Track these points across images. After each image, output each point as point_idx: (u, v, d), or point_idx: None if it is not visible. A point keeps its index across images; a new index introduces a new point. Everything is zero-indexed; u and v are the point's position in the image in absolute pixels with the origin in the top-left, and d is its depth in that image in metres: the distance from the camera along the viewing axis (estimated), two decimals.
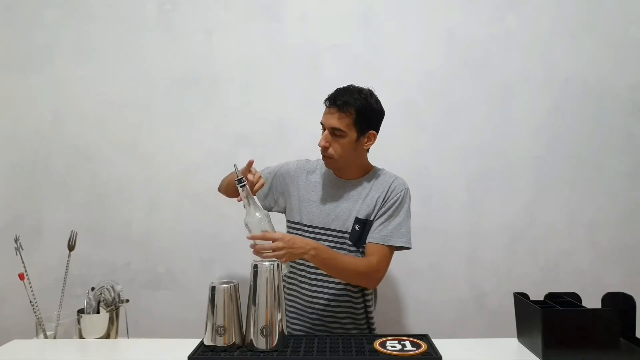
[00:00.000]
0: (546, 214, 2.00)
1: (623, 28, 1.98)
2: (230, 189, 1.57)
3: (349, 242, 1.48)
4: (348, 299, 1.51)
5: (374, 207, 1.47)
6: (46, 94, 2.05)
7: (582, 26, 1.99)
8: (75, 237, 1.48)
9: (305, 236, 1.50)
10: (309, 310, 1.51)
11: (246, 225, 1.33)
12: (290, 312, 1.56)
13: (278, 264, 1.18)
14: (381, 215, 1.46)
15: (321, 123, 1.48)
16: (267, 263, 1.17)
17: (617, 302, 1.18)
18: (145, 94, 2.04)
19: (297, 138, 1.98)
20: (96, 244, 2.01)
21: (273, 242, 1.28)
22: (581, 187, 2.00)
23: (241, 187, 1.31)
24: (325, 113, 1.47)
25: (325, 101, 1.47)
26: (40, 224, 2.03)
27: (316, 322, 1.51)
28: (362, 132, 1.46)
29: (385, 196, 1.47)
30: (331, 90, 1.51)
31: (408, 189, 1.50)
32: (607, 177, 1.99)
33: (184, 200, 2.04)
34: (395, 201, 1.46)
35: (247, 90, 2.03)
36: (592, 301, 1.25)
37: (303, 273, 1.52)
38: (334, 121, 1.43)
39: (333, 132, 1.44)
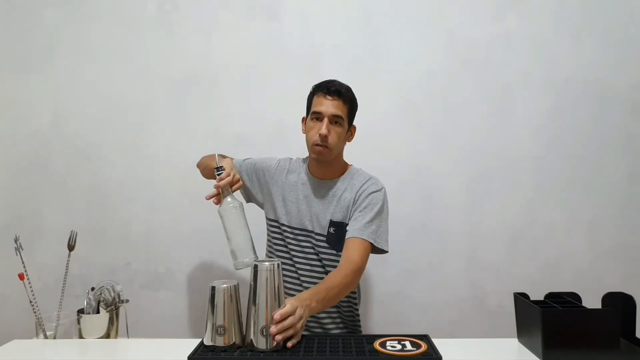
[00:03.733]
0: (546, 214, 2.00)
1: (623, 28, 1.98)
2: (207, 172, 1.60)
3: (326, 245, 1.47)
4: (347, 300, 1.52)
5: (347, 208, 1.45)
6: (46, 94, 2.05)
7: (582, 26, 1.99)
8: (75, 237, 1.48)
9: (285, 236, 1.51)
10: None
11: (219, 213, 1.33)
12: None
13: (278, 264, 1.18)
14: (355, 213, 1.43)
15: (315, 112, 1.43)
16: (267, 263, 1.17)
17: (617, 302, 1.18)
18: (145, 94, 2.04)
19: (297, 138, 1.96)
20: (96, 244, 2.01)
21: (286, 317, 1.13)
22: (581, 187, 2.00)
23: (218, 174, 1.34)
24: (323, 101, 1.43)
25: (322, 89, 1.44)
26: (40, 224, 2.03)
27: (312, 323, 1.52)
28: (349, 125, 1.48)
29: (356, 197, 1.45)
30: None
31: (383, 189, 1.47)
32: (607, 177, 1.99)
33: (184, 200, 2.04)
34: (369, 202, 1.43)
35: (247, 90, 2.03)
36: (592, 301, 1.25)
37: (306, 270, 1.52)
38: (335, 109, 1.42)
39: (333, 121, 1.42)
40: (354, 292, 1.53)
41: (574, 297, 1.25)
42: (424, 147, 2.01)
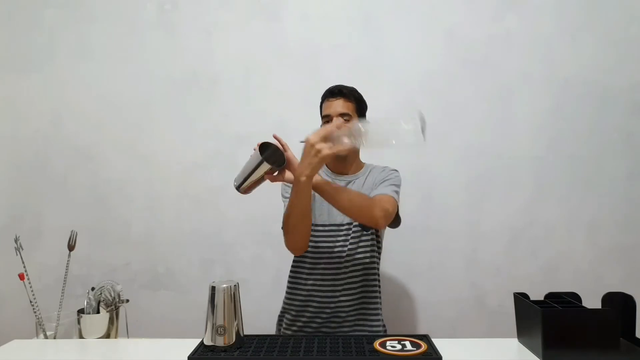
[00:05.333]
0: (546, 214, 2.00)
1: (623, 28, 1.98)
2: (303, 227, 1.44)
3: (358, 229, 1.49)
4: (364, 299, 1.52)
5: (372, 189, 1.50)
6: (46, 94, 2.05)
7: (582, 26, 1.99)
8: (75, 237, 1.48)
9: (319, 235, 1.52)
10: (327, 310, 1.51)
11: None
12: (302, 313, 1.56)
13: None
14: (378, 184, 1.50)
15: (324, 116, 1.52)
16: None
17: (617, 302, 1.18)
18: (145, 94, 2.04)
19: (298, 138, 1.97)
20: (96, 244, 2.01)
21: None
22: (581, 187, 2.00)
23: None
24: (329, 104, 1.52)
25: (327, 94, 1.53)
26: (40, 224, 2.03)
27: (333, 324, 1.51)
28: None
29: (380, 174, 1.53)
30: None
31: (398, 172, 1.55)
32: (607, 177, 1.99)
33: (184, 200, 2.04)
34: (390, 176, 1.51)
35: (247, 90, 2.03)
36: (592, 301, 1.25)
37: (327, 271, 1.52)
38: (340, 108, 1.50)
39: (341, 118, 1.49)
40: (379, 295, 1.55)
41: (574, 297, 1.25)
42: (424, 147, 2.01)
